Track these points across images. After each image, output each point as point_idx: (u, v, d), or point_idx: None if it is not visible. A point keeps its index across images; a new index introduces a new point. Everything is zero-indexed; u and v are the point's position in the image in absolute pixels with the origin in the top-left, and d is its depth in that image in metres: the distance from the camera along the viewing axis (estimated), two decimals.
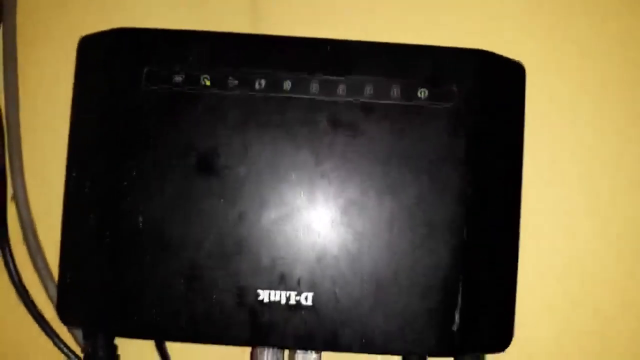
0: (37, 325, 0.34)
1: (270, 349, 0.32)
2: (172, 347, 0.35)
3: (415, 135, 0.32)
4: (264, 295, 0.31)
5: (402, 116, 0.32)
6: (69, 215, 0.32)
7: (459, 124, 0.32)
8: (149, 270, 0.31)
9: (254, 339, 0.31)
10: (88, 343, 0.32)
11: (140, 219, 0.31)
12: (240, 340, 0.31)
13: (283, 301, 0.31)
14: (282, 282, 0.31)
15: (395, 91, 0.32)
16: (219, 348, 0.34)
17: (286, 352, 0.33)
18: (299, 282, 0.31)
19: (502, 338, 0.33)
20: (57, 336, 0.34)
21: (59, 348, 0.33)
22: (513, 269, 0.33)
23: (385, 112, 0.32)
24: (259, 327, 0.31)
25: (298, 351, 0.32)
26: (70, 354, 0.33)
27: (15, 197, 0.34)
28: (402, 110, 0.32)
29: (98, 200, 0.32)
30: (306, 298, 0.31)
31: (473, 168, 0.32)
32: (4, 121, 0.34)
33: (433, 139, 0.32)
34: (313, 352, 0.32)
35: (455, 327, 0.31)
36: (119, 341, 0.33)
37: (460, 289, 0.31)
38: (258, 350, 0.32)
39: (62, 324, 0.33)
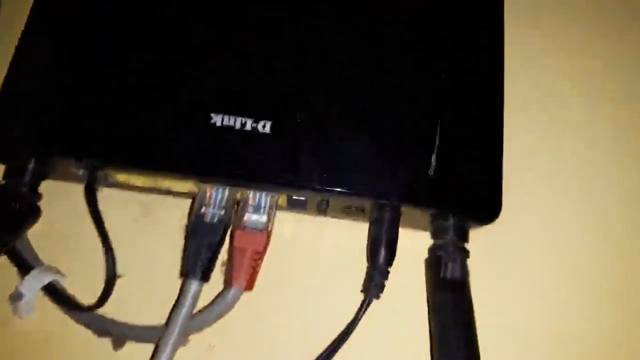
0: None
1: (219, 189, 0.28)
2: None
3: None
4: (217, 119, 0.28)
5: None
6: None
7: None
8: (93, 90, 0.28)
9: (201, 168, 0.27)
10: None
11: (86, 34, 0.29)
12: (185, 169, 0.27)
13: (237, 126, 0.28)
14: (238, 107, 0.28)
15: None
16: None
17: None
18: (257, 108, 0.28)
19: (489, 206, 0.29)
20: None
21: None
22: (498, 130, 0.30)
23: None
24: (207, 153, 0.27)
25: (249, 207, 0.28)
26: None
27: None
28: None
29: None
30: (264, 126, 0.28)
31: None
32: None
33: None
34: (261, 214, 0.28)
35: (431, 172, 0.27)
36: None
37: (439, 131, 0.28)
38: (205, 189, 0.28)
39: None
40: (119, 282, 0.29)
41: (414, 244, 0.29)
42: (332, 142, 0.28)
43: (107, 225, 0.29)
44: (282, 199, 0.29)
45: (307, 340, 0.29)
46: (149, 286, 0.30)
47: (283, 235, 0.31)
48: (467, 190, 0.28)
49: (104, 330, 0.29)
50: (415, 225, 0.30)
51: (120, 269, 0.29)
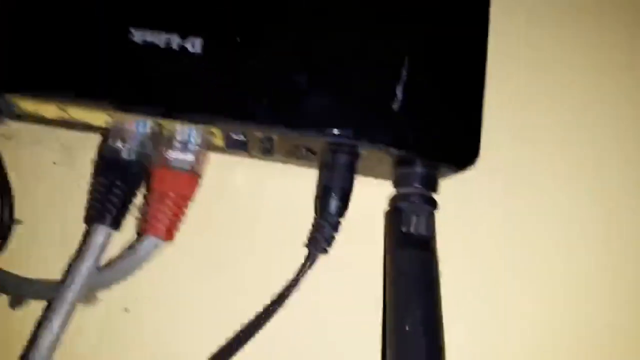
0: None
1: (140, 121, 0.23)
2: None
3: None
4: (138, 35, 0.23)
5: None
6: None
7: None
8: None
9: (120, 95, 0.22)
10: None
11: None
12: (100, 97, 0.22)
13: (162, 45, 0.23)
14: (163, 22, 0.23)
15: None
16: None
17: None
18: (186, 23, 0.23)
19: (463, 149, 0.24)
20: None
21: None
22: (480, 63, 0.25)
23: None
24: (127, 77, 0.22)
25: (174, 143, 0.23)
26: None
27: None
28: None
29: None
30: (193, 45, 0.23)
31: None
32: None
33: None
34: (189, 152, 0.23)
35: (396, 106, 0.23)
36: None
37: (407, 61, 0.23)
38: (122, 121, 0.23)
39: None
40: (19, 230, 0.24)
41: (371, 193, 0.24)
42: (277, 68, 0.23)
43: (22, 165, 0.24)
44: (218, 138, 0.24)
45: (240, 302, 0.24)
46: (56, 237, 0.25)
47: (217, 180, 0.26)
48: (438, 130, 0.24)
49: None
50: (374, 173, 0.25)
51: (24, 216, 0.24)
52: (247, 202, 0.26)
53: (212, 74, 0.23)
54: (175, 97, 0.22)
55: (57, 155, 0.27)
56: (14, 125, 0.27)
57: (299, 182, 0.26)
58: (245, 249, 0.25)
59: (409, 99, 0.23)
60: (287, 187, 0.26)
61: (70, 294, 0.21)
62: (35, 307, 0.24)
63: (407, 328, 0.20)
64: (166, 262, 0.24)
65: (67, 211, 0.25)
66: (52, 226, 0.25)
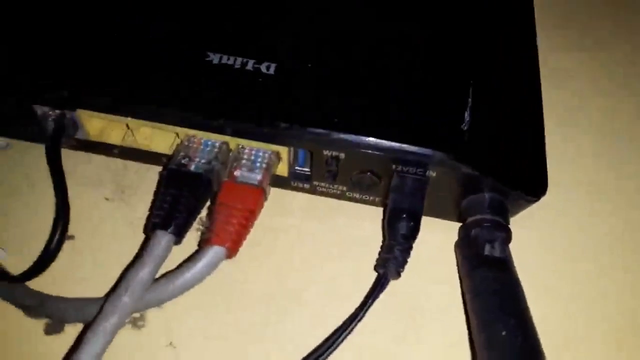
0: None
1: (209, 141, 0.23)
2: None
3: None
4: (215, 58, 0.24)
5: None
6: None
7: None
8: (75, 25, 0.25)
9: (192, 104, 0.23)
10: None
11: None
12: (176, 105, 0.23)
13: (237, 66, 0.24)
14: (240, 47, 0.24)
15: None
16: None
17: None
18: (261, 50, 0.24)
19: (532, 178, 0.24)
20: None
21: None
22: (538, 98, 0.26)
23: None
24: (203, 91, 0.23)
25: (242, 163, 0.23)
26: None
27: None
28: None
29: None
30: (268, 67, 0.24)
31: None
32: None
33: None
34: (256, 171, 0.23)
35: (465, 126, 0.23)
36: None
37: (471, 91, 0.24)
38: (191, 138, 0.23)
39: None
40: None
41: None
42: (345, 85, 0.23)
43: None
44: (284, 163, 0.24)
45: (306, 331, 0.22)
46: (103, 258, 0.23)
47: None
48: (506, 156, 0.24)
49: (36, 306, 0.22)
50: (439, 209, 0.24)
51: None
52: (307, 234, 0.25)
53: (286, 89, 0.23)
54: (250, 110, 0.23)
55: (110, 192, 0.26)
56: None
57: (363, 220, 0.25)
58: (307, 280, 0.24)
59: (476, 122, 0.23)
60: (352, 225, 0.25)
61: (125, 299, 0.19)
62: (69, 332, 0.22)
63: (503, 333, 0.18)
64: (223, 289, 0.22)
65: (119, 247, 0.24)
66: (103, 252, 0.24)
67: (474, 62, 0.25)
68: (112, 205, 0.25)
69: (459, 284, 0.23)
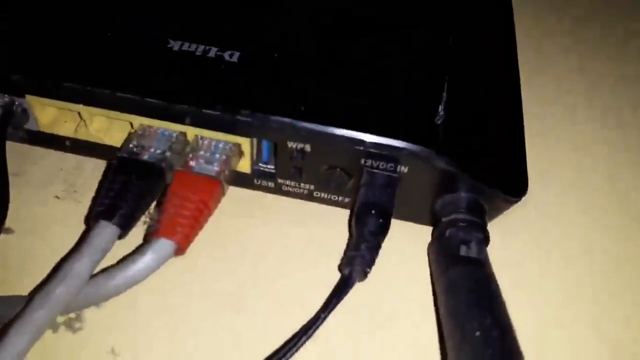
0: None
1: (165, 130, 0.22)
2: None
3: None
4: (176, 45, 0.23)
5: None
6: None
7: None
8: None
9: (151, 92, 0.21)
10: None
11: None
12: (133, 93, 0.21)
13: (199, 53, 0.22)
14: (201, 34, 0.23)
15: None
16: None
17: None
18: (224, 38, 0.23)
19: (511, 177, 0.22)
20: None
21: None
22: (517, 95, 0.25)
23: None
24: (164, 75, 0.22)
25: (199, 154, 0.22)
26: None
27: None
28: None
29: None
30: (231, 55, 0.22)
31: None
32: None
33: None
34: (214, 163, 0.21)
35: (438, 120, 0.22)
36: None
37: (446, 86, 0.23)
38: (146, 127, 0.22)
39: None
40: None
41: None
42: (313, 76, 0.22)
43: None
44: (245, 162, 0.22)
45: (260, 339, 0.20)
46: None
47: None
48: (484, 153, 0.22)
49: None
50: (410, 210, 0.23)
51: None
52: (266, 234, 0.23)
53: (250, 77, 0.22)
54: (212, 95, 0.21)
55: (61, 192, 0.24)
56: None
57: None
58: (265, 279, 0.22)
59: (451, 118, 0.22)
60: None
61: (57, 291, 0.17)
62: None
63: (477, 333, 0.16)
64: (170, 288, 0.20)
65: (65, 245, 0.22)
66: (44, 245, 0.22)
67: (450, 58, 0.24)
68: (61, 204, 0.23)
69: (430, 288, 0.21)
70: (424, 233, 0.23)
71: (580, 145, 0.28)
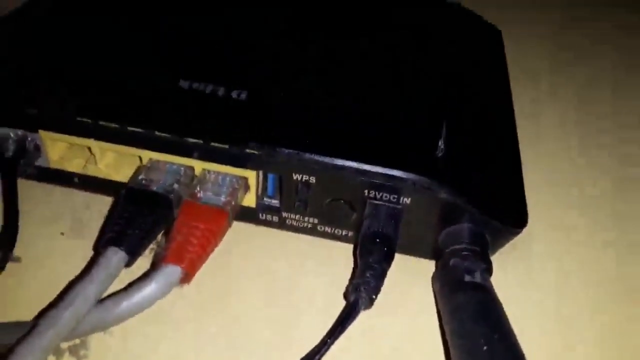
0: None
1: (174, 165, 0.22)
2: None
3: None
4: (185, 84, 0.24)
5: None
6: None
7: None
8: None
9: (161, 126, 0.22)
10: None
11: None
12: (142, 128, 0.22)
13: (208, 91, 0.23)
14: (210, 74, 0.24)
15: None
16: None
17: None
18: (233, 76, 0.24)
19: (512, 209, 0.23)
20: None
21: None
22: (512, 131, 0.26)
23: None
24: (173, 112, 0.22)
25: (207, 185, 0.22)
26: None
27: None
28: None
29: None
30: (239, 94, 0.23)
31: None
32: None
33: None
34: (221, 195, 0.22)
35: (439, 153, 0.22)
36: None
37: (445, 123, 0.24)
38: (155, 162, 0.22)
39: None
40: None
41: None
42: (318, 111, 0.23)
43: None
44: (250, 196, 0.23)
45: None
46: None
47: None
48: (485, 186, 0.23)
49: None
50: (413, 244, 0.23)
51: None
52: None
53: (257, 114, 0.22)
54: (222, 132, 0.22)
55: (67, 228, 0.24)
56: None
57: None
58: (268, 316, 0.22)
59: (451, 152, 0.22)
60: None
61: (64, 315, 0.17)
62: None
63: (485, 348, 0.16)
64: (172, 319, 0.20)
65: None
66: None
67: (447, 96, 0.25)
68: (67, 240, 0.24)
69: (435, 319, 0.21)
70: (426, 266, 0.23)
71: None
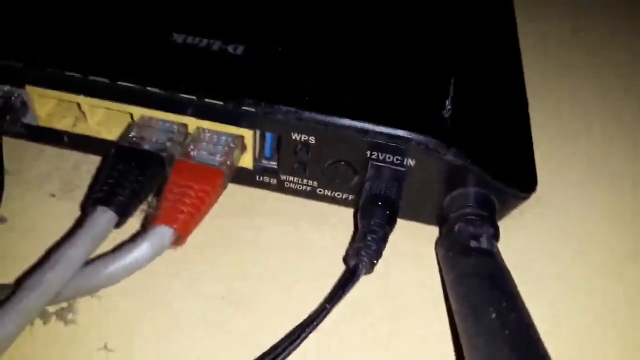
0: None
1: (166, 122, 0.21)
2: None
3: None
4: (179, 38, 0.22)
5: None
6: None
7: None
8: None
9: (153, 81, 0.21)
10: None
11: None
12: (133, 83, 0.21)
13: (203, 46, 0.22)
14: (205, 27, 0.23)
15: None
16: None
17: None
18: (229, 31, 0.23)
19: (520, 173, 0.22)
20: None
21: None
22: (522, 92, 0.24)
23: None
24: (166, 66, 0.21)
25: (201, 144, 0.21)
26: None
27: None
28: None
29: None
30: (235, 48, 0.22)
31: None
32: None
33: None
34: (217, 154, 0.21)
35: (446, 114, 0.21)
36: None
37: (452, 82, 0.23)
38: (147, 117, 0.21)
39: None
40: None
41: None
42: (320, 68, 0.22)
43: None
44: (248, 156, 0.22)
45: (262, 334, 0.19)
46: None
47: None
48: (492, 148, 0.22)
49: None
50: (417, 210, 0.22)
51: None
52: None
53: (254, 69, 0.21)
54: (209, 83, 0.21)
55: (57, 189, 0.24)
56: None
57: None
58: (264, 283, 0.21)
59: (458, 113, 0.21)
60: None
61: (49, 275, 0.16)
62: None
63: (493, 316, 0.15)
64: (171, 283, 0.19)
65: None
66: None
67: (455, 54, 0.23)
68: (56, 201, 0.23)
69: (439, 286, 0.20)
70: (430, 232, 0.22)
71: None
